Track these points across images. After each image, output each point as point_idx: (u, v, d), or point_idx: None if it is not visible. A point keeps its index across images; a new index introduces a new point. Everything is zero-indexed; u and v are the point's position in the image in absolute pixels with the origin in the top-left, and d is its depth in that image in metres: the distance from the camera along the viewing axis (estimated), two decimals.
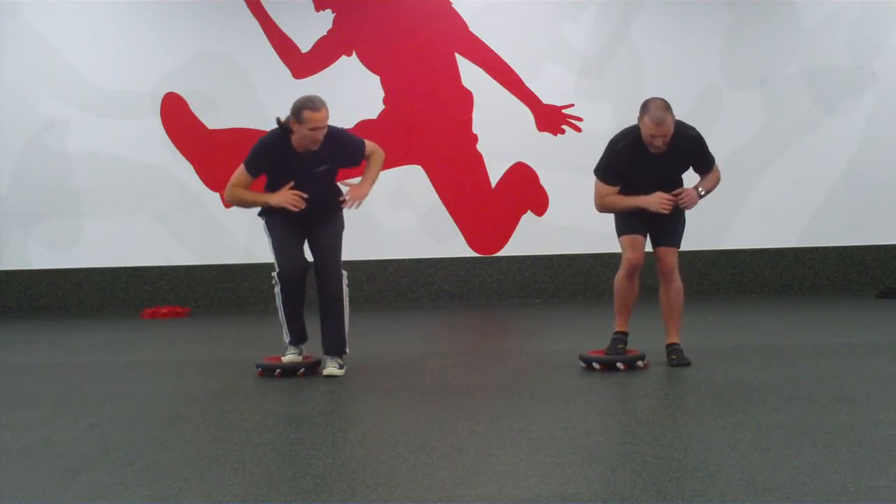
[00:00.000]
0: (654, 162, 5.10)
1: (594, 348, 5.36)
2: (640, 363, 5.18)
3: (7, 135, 9.04)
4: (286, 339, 5.36)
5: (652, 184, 5.14)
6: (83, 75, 9.01)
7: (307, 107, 5.03)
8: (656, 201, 5.10)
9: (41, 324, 8.34)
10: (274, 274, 5.28)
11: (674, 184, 5.19)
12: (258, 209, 5.38)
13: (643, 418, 4.13)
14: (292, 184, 5.15)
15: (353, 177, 5.49)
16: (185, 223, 9.06)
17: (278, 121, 5.16)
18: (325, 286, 5.26)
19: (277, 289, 5.28)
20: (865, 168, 8.94)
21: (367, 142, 5.41)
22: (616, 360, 5.16)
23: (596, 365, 5.17)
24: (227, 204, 9.12)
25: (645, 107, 5.01)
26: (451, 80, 9.01)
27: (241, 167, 5.24)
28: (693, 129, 5.19)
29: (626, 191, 5.21)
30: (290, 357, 5.31)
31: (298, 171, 5.16)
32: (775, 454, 3.36)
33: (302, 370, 5.28)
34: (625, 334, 5.28)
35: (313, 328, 5.37)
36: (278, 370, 5.25)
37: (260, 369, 5.32)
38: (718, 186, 5.31)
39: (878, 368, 5.03)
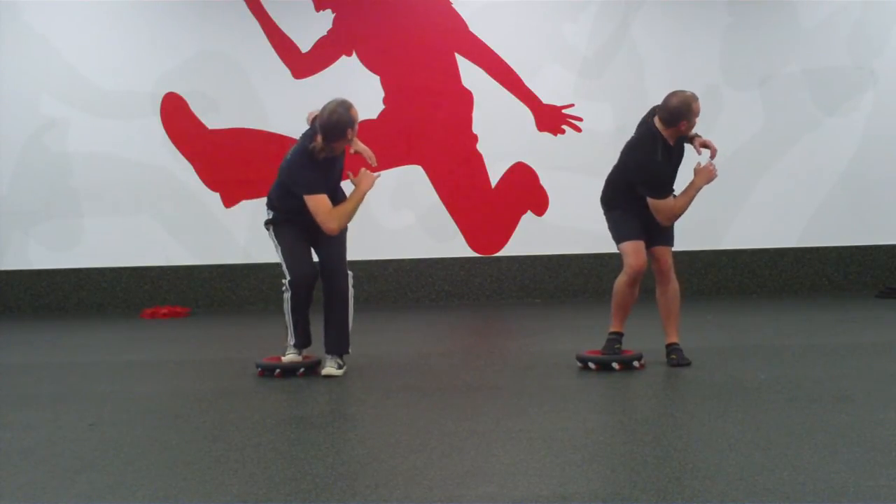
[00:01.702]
0: (673, 155, 5.23)
1: (594, 348, 5.36)
2: (636, 363, 5.18)
3: (7, 135, 9.04)
4: (290, 341, 5.36)
5: (674, 175, 5.28)
6: (83, 75, 9.01)
7: (348, 107, 5.07)
8: (705, 175, 5.20)
9: (41, 324, 8.34)
10: (285, 281, 5.27)
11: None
12: (264, 219, 5.38)
13: (643, 418, 4.13)
14: (364, 170, 5.21)
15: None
16: (185, 223, 9.06)
17: (312, 149, 5.10)
18: (331, 286, 5.27)
19: (287, 295, 5.27)
20: (865, 168, 8.94)
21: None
22: (612, 361, 5.16)
23: (592, 365, 5.18)
24: (228, 204, 9.25)
25: (686, 97, 5.09)
26: (451, 80, 9.01)
27: (314, 196, 5.07)
28: None
29: (627, 195, 5.25)
30: (290, 357, 5.32)
31: (330, 172, 5.23)
32: (775, 454, 3.36)
33: (302, 370, 5.28)
34: (620, 335, 5.29)
35: (316, 328, 5.37)
36: (278, 370, 5.26)
37: (260, 369, 5.32)
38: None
39: (878, 368, 5.03)
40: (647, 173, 5.13)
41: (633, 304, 5.30)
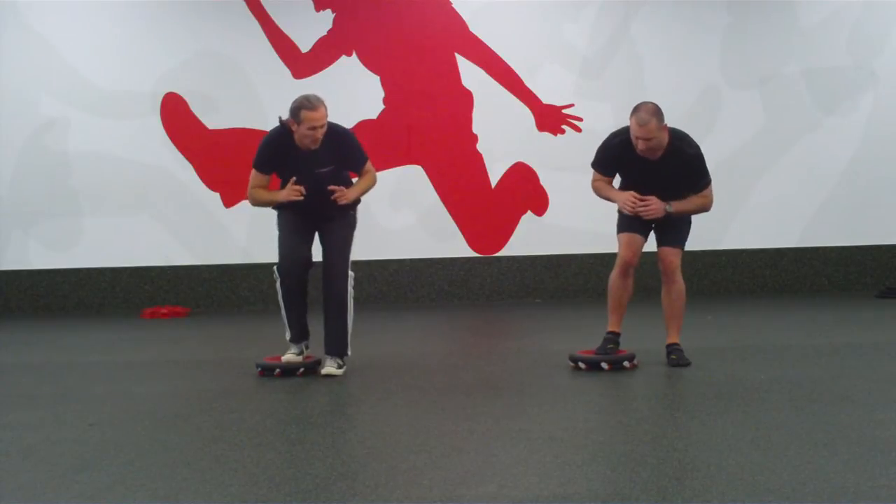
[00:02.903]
0: (647, 165, 5.11)
1: (593, 348, 5.36)
2: (626, 363, 5.16)
3: (7, 135, 9.04)
4: (287, 336, 5.36)
5: (648, 186, 5.15)
6: (83, 75, 9.01)
7: (304, 106, 5.04)
8: (623, 199, 5.17)
9: (41, 324, 8.34)
10: (274, 267, 5.29)
11: (672, 193, 5.16)
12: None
13: (643, 418, 4.13)
14: (294, 179, 5.18)
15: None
16: (185, 223, 9.06)
17: (280, 120, 5.17)
18: (329, 284, 5.26)
19: (278, 283, 5.29)
20: (865, 168, 8.94)
21: (368, 161, 5.41)
22: (600, 360, 5.15)
23: (582, 364, 5.18)
24: (228, 204, 9.26)
25: (635, 109, 5.05)
26: (451, 80, 9.01)
27: (253, 169, 5.31)
28: (695, 147, 5.15)
29: (625, 188, 5.25)
30: (289, 357, 5.31)
31: (302, 169, 5.17)
32: (775, 454, 3.36)
33: (301, 370, 5.28)
34: (616, 335, 5.27)
35: (316, 328, 5.36)
36: (278, 370, 5.25)
37: (260, 369, 5.32)
38: (703, 213, 5.27)
39: (878, 368, 5.03)
40: (601, 144, 5.30)
41: (628, 299, 5.30)
